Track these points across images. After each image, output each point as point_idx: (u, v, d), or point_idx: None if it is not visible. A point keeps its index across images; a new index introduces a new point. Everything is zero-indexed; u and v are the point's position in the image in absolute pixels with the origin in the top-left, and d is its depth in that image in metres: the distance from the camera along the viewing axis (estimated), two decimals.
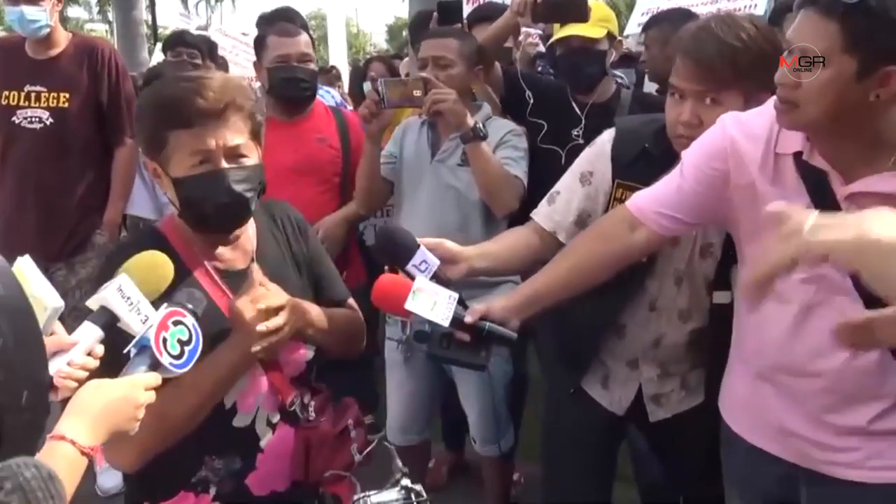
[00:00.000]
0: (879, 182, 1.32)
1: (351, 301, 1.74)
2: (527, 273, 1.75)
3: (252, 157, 1.46)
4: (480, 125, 2.31)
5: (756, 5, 3.72)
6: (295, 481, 1.56)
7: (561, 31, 2.65)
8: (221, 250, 1.52)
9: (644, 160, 1.76)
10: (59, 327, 1.21)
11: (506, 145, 2.40)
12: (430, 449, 2.88)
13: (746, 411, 1.63)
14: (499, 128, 2.44)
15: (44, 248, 3.03)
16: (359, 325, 1.73)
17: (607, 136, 1.84)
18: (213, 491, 1.50)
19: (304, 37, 2.72)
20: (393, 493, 0.89)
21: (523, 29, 2.86)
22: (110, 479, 3.10)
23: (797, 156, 1.40)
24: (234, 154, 1.42)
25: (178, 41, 4.09)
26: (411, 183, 2.49)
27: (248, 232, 1.58)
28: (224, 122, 1.39)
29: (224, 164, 1.40)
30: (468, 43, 2.50)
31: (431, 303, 1.44)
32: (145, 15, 12.03)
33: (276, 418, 1.55)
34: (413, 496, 0.90)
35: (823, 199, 1.37)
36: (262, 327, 1.41)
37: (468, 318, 1.47)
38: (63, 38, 3.15)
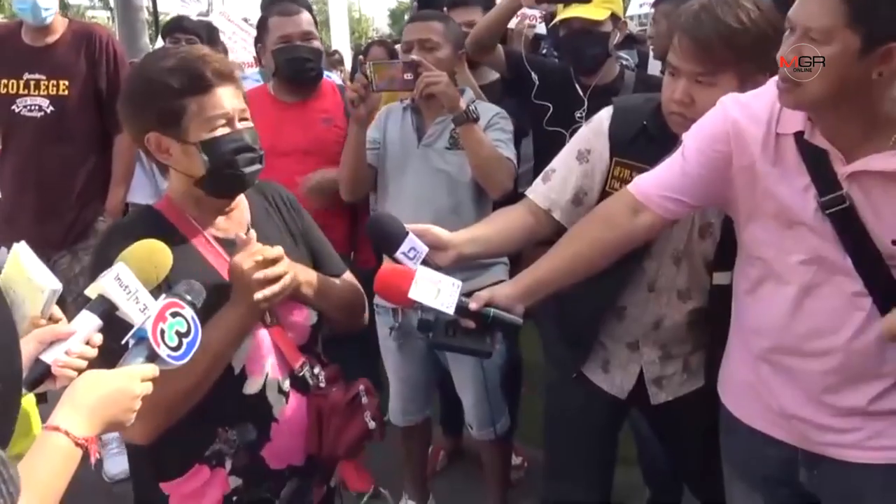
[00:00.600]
0: (880, 161, 1.31)
1: (348, 275, 1.75)
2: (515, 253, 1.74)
3: (250, 122, 1.54)
4: (473, 107, 2.30)
5: None
6: (311, 456, 1.57)
7: (563, 13, 2.63)
8: (218, 220, 1.56)
9: (643, 138, 1.76)
10: (59, 313, 1.22)
11: (494, 128, 2.40)
12: (430, 426, 2.91)
13: (746, 394, 1.63)
14: (485, 111, 2.43)
15: (46, 236, 3.03)
16: (359, 296, 1.74)
17: (605, 115, 1.83)
18: (228, 465, 1.51)
19: (305, 15, 2.70)
20: None
21: (521, 11, 2.83)
22: (116, 465, 3.12)
23: (798, 136, 1.40)
24: (242, 117, 1.50)
25: (176, 27, 4.04)
26: (397, 168, 2.47)
27: (242, 205, 1.61)
28: (231, 87, 1.48)
29: (239, 125, 1.49)
30: (453, 26, 2.50)
31: (435, 291, 1.45)
32: (146, 1, 11.94)
33: (286, 385, 1.55)
34: None
35: (824, 178, 1.37)
36: (260, 275, 1.43)
37: (472, 305, 1.47)
38: (60, 25, 3.13)
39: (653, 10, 3.54)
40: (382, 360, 2.69)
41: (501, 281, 2.40)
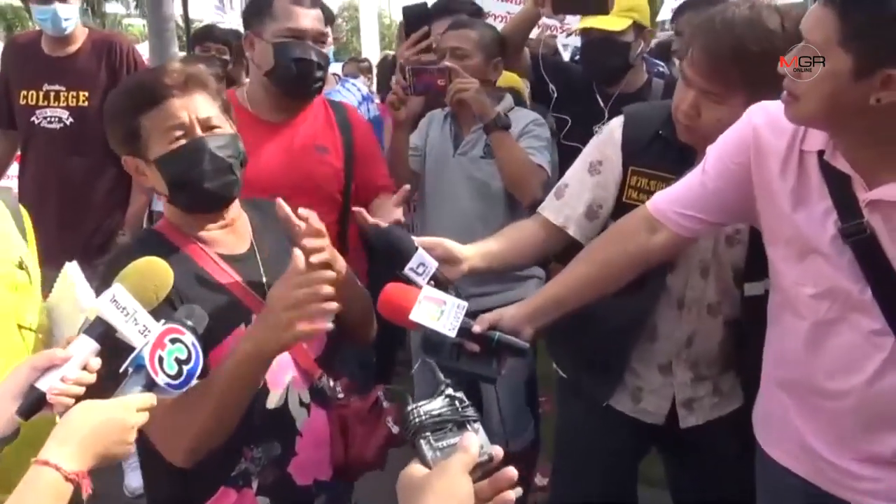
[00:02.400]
0: None
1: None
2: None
3: (226, 128, 1.47)
4: (503, 114, 2.32)
5: None
6: (337, 470, 1.55)
7: (582, 22, 2.61)
8: (221, 236, 1.51)
9: (658, 144, 1.72)
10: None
11: (529, 135, 2.40)
12: None
13: (770, 423, 1.56)
14: (521, 118, 2.44)
15: (65, 248, 3.00)
16: (370, 304, 1.67)
17: (616, 123, 1.79)
18: (255, 484, 1.47)
19: (319, 12, 2.19)
20: (439, 402, 0.96)
21: (542, 21, 2.78)
22: (137, 479, 3.11)
23: (821, 154, 1.32)
24: (207, 125, 1.43)
25: (206, 35, 4.06)
26: (435, 175, 2.50)
27: (243, 217, 1.58)
28: (191, 96, 1.42)
29: (200, 133, 1.42)
30: (487, 34, 2.50)
31: (438, 312, 1.41)
32: (179, 10, 12.13)
33: (307, 398, 1.53)
34: (457, 402, 0.96)
35: (846, 203, 1.30)
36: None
37: (476, 328, 1.44)
38: (80, 35, 3.12)
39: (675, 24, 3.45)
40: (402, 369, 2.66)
41: None
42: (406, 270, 1.49)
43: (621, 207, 1.74)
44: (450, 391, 0.98)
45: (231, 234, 1.54)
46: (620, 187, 1.75)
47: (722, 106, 1.55)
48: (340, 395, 1.56)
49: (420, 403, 0.96)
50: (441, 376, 1.02)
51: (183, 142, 1.41)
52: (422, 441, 0.93)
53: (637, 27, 2.59)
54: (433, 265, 1.51)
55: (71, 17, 3.01)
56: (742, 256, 1.71)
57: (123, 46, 3.16)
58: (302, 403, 1.52)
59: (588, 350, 1.85)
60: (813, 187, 1.34)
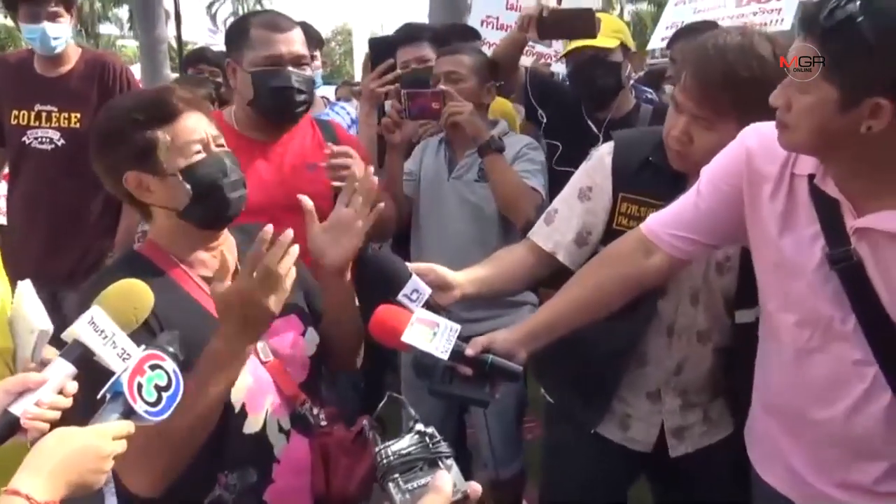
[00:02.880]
0: (888, 220, 1.22)
1: None
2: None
3: (226, 147, 1.52)
4: (497, 137, 2.34)
5: (782, 20, 3.62)
6: (318, 501, 1.51)
7: (571, 44, 2.61)
8: (206, 258, 1.51)
9: (648, 171, 1.72)
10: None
11: (523, 159, 2.40)
12: None
13: (759, 445, 1.56)
14: (515, 142, 2.45)
15: (54, 270, 2.99)
16: (361, 328, 1.64)
17: (606, 150, 1.79)
18: None
19: (299, 33, 2.14)
20: (408, 439, 0.95)
21: (536, 49, 2.81)
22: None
23: (812, 178, 1.32)
24: (217, 143, 1.49)
25: (199, 58, 4.05)
26: (429, 200, 2.50)
27: (229, 241, 1.58)
28: (200, 114, 1.47)
29: (216, 149, 1.47)
30: (479, 59, 2.53)
31: (430, 335, 1.40)
32: (173, 31, 12.20)
33: (287, 424, 1.50)
34: (427, 438, 0.94)
35: (834, 229, 1.29)
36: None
37: (469, 351, 1.42)
38: (73, 54, 3.09)
39: (670, 51, 3.49)
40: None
41: None
42: (400, 297, 1.49)
43: (611, 234, 1.73)
44: (420, 427, 0.95)
45: (216, 257, 1.53)
46: (610, 214, 1.75)
47: (713, 132, 1.55)
48: (323, 423, 1.53)
49: (389, 443, 0.94)
50: (411, 411, 1.00)
51: (203, 155, 1.45)
52: (390, 484, 0.90)
53: (624, 48, 2.61)
54: (427, 291, 1.51)
55: (61, 37, 2.98)
56: (733, 284, 1.70)
57: (117, 67, 3.12)
58: (281, 429, 1.49)
59: (576, 375, 1.83)
60: (802, 211, 1.34)
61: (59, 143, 3.01)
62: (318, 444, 1.51)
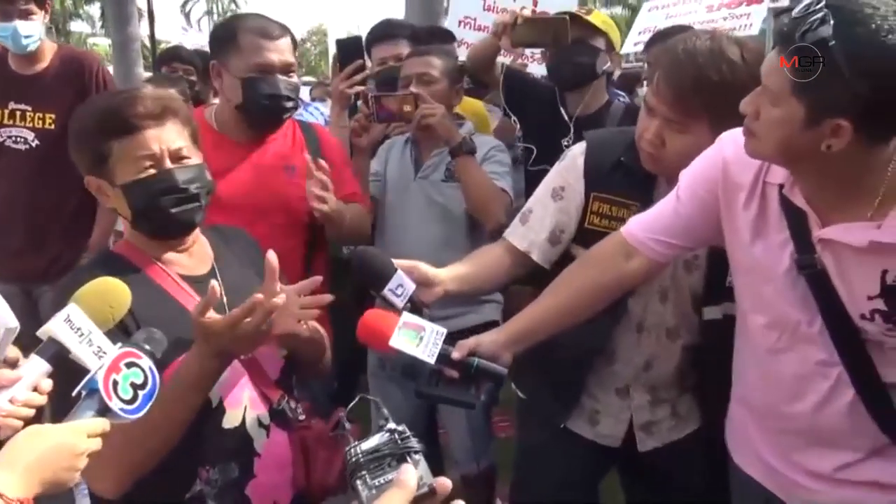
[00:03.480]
0: (848, 232, 1.27)
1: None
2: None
3: (195, 158, 1.50)
4: (469, 138, 2.33)
5: (751, 25, 3.70)
6: (298, 493, 1.52)
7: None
8: (179, 257, 1.53)
9: (620, 171, 1.74)
10: (14, 354, 1.15)
11: (491, 160, 2.41)
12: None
13: (735, 434, 1.62)
14: (483, 143, 2.45)
15: (30, 268, 2.97)
16: (324, 338, 1.67)
17: (578, 150, 1.81)
18: None
19: (288, 40, 2.15)
20: (378, 438, 0.95)
21: (520, 60, 2.83)
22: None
23: (782, 187, 1.37)
24: (177, 156, 1.46)
25: (173, 56, 4.03)
26: (395, 200, 2.49)
27: (202, 240, 1.59)
28: (163, 126, 1.45)
29: (169, 165, 1.45)
30: (450, 61, 2.54)
31: (417, 339, 1.42)
32: (146, 30, 12.07)
33: (266, 419, 1.51)
34: (397, 435, 0.94)
35: (801, 237, 1.33)
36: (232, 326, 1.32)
37: (455, 355, 1.44)
38: (49, 52, 3.05)
39: (646, 55, 3.55)
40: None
41: (494, 321, 2.41)
42: (385, 292, 1.49)
43: (583, 233, 1.76)
44: (391, 425, 0.96)
45: (190, 256, 1.55)
46: (583, 213, 1.77)
47: (685, 135, 1.58)
48: (302, 417, 1.55)
49: (359, 442, 0.95)
50: (385, 411, 1.01)
51: (151, 171, 1.44)
52: (357, 481, 0.91)
53: (608, 45, 2.60)
54: (412, 287, 1.51)
55: (33, 35, 2.94)
56: (700, 282, 1.74)
57: (94, 66, 3.09)
58: (261, 424, 1.50)
59: (546, 372, 1.85)
60: (772, 219, 1.38)
61: (34, 144, 2.99)
62: (298, 437, 1.52)
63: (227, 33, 2.14)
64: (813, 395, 1.38)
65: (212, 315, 1.34)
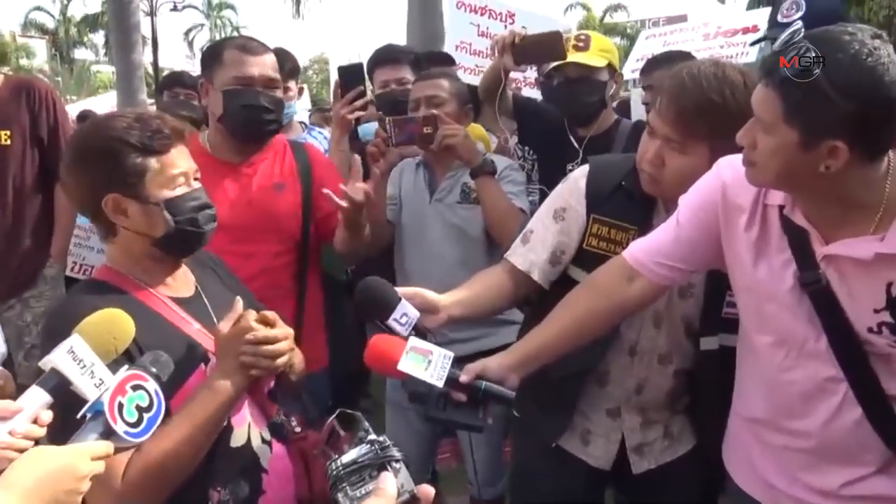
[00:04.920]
0: (853, 246, 1.30)
1: None
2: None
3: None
4: (490, 159, 2.37)
5: (747, 54, 3.75)
6: (301, 502, 1.54)
7: (569, 56, 2.62)
8: (165, 279, 1.55)
9: (620, 195, 1.76)
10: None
11: (505, 180, 2.43)
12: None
13: (734, 453, 1.63)
14: (497, 163, 2.47)
15: None
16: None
17: (580, 173, 1.83)
18: None
19: (270, 57, 2.21)
20: (357, 450, 0.98)
21: (514, 85, 2.88)
22: None
23: (782, 208, 1.39)
24: (196, 176, 1.55)
25: (175, 81, 4.04)
26: (412, 223, 2.50)
27: (184, 265, 1.62)
28: (183, 146, 1.52)
29: (195, 184, 1.54)
30: (457, 83, 2.57)
31: (425, 363, 1.43)
32: (150, 58, 12.21)
33: (267, 435, 1.53)
34: (377, 446, 0.95)
35: (804, 255, 1.36)
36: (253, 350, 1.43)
37: (463, 378, 1.45)
38: None
39: (642, 78, 3.59)
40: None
41: (513, 343, 2.39)
42: (390, 321, 1.50)
43: (582, 254, 1.78)
44: (371, 436, 0.97)
45: (174, 280, 1.57)
46: (583, 234, 1.79)
47: (685, 156, 1.61)
48: (297, 430, 1.57)
49: (337, 456, 0.95)
50: (366, 424, 1.01)
51: (187, 189, 1.51)
52: (339, 494, 0.91)
53: (611, 69, 2.66)
54: (415, 315, 1.52)
55: None
56: (693, 310, 1.75)
57: (42, 89, 3.15)
58: (263, 440, 1.52)
59: (539, 391, 1.84)
60: (773, 239, 1.41)
61: None
62: (296, 449, 1.55)
63: (213, 52, 2.22)
64: (821, 412, 1.39)
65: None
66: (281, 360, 1.47)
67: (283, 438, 1.56)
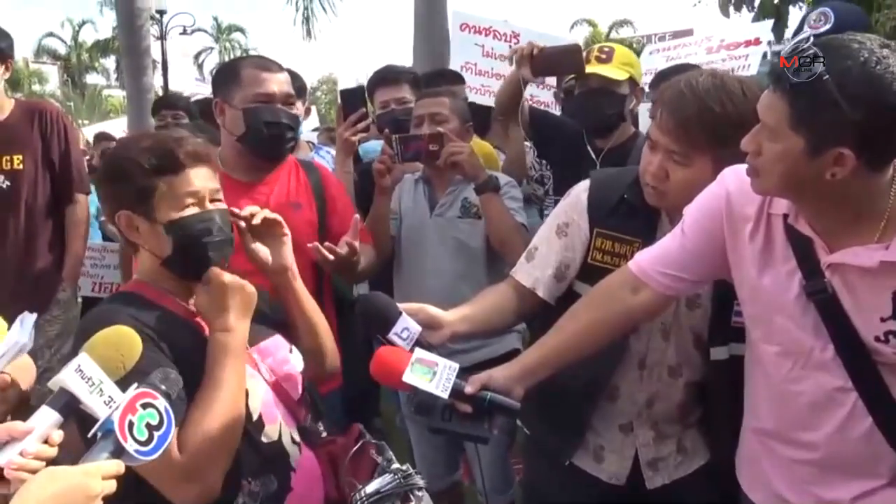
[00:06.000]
0: (859, 255, 1.29)
1: None
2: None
3: (224, 202, 1.59)
4: (494, 176, 2.40)
5: (749, 66, 3.77)
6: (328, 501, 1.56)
7: (588, 67, 2.65)
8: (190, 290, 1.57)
9: (623, 208, 1.77)
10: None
11: (506, 196, 2.46)
12: (461, 493, 2.85)
13: (746, 467, 1.62)
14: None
15: (8, 310, 2.99)
16: (334, 346, 1.75)
17: (582, 187, 1.84)
18: None
19: (285, 74, 2.27)
20: (381, 480, 0.93)
21: (526, 94, 2.91)
22: None
23: (786, 217, 1.39)
24: (214, 198, 1.54)
25: (163, 104, 4.06)
26: (412, 238, 2.53)
27: None
28: (204, 168, 1.53)
29: (209, 206, 1.52)
30: (458, 101, 2.63)
31: (430, 374, 1.44)
32: (160, 81, 12.34)
33: (297, 436, 1.56)
34: (400, 475, 0.92)
35: (809, 264, 1.36)
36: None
37: (468, 389, 1.45)
38: (8, 105, 3.17)
39: (651, 92, 3.61)
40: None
41: (516, 349, 2.43)
42: (390, 335, 1.52)
43: (586, 268, 1.78)
44: (395, 465, 0.97)
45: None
46: (586, 249, 1.79)
47: (688, 168, 1.61)
48: (324, 434, 1.60)
49: (361, 486, 0.95)
50: (389, 453, 1.02)
51: (195, 210, 1.50)
52: None
53: (632, 83, 2.67)
54: (417, 330, 1.54)
55: None
56: (701, 320, 1.75)
57: (53, 113, 3.22)
58: (294, 441, 1.55)
59: (549, 408, 1.85)
60: (778, 248, 1.41)
61: (4, 186, 3.08)
62: (326, 452, 1.58)
63: (229, 70, 2.27)
64: (830, 423, 1.38)
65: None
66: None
67: (311, 442, 1.59)
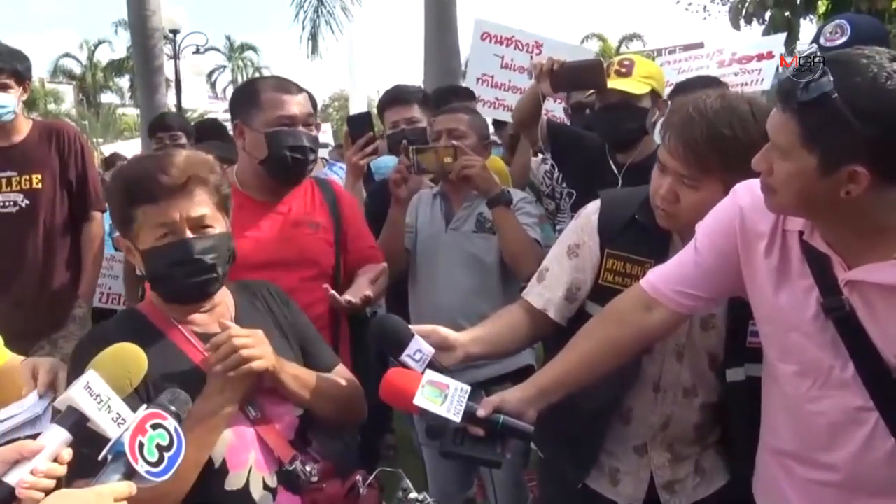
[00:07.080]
0: (878, 272, 1.27)
1: (342, 368, 1.73)
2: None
3: (218, 227, 1.54)
4: (507, 190, 2.42)
5: (762, 80, 3.74)
6: None
7: (609, 83, 2.63)
8: (196, 316, 1.56)
9: (634, 229, 1.75)
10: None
11: (520, 211, 2.47)
12: None
13: (766, 488, 1.58)
14: (513, 195, 2.51)
15: (26, 327, 3.02)
16: (357, 389, 1.70)
17: (592, 208, 1.83)
18: None
19: (304, 94, 2.25)
20: None
21: (548, 115, 2.91)
22: None
23: (802, 234, 1.37)
24: (198, 225, 1.50)
25: (159, 126, 4.05)
26: (427, 252, 2.54)
27: (226, 301, 1.63)
28: (187, 196, 1.48)
29: (189, 235, 1.48)
30: (476, 117, 2.67)
31: (441, 397, 1.42)
32: (174, 99, 12.46)
33: (273, 481, 1.50)
34: None
35: (826, 281, 1.33)
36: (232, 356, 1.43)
37: (481, 412, 1.43)
38: (26, 125, 3.20)
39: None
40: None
41: (529, 365, 2.42)
42: (403, 357, 1.51)
43: (598, 290, 1.77)
44: (412, 495, 0.95)
45: (209, 315, 1.59)
46: (597, 270, 1.78)
47: (698, 190, 1.59)
48: (314, 479, 1.53)
49: None
50: (407, 482, 1.00)
51: (168, 240, 1.48)
52: None
53: (654, 95, 2.65)
54: (430, 351, 1.52)
55: (7, 106, 3.07)
56: (716, 342, 1.72)
57: (70, 134, 3.26)
58: (266, 487, 1.50)
59: (563, 430, 1.82)
60: (794, 266, 1.38)
61: (24, 205, 3.11)
62: (310, 500, 1.52)
63: (248, 92, 2.25)
64: (851, 444, 1.35)
65: None
66: (247, 353, 1.45)
67: (293, 487, 1.52)
